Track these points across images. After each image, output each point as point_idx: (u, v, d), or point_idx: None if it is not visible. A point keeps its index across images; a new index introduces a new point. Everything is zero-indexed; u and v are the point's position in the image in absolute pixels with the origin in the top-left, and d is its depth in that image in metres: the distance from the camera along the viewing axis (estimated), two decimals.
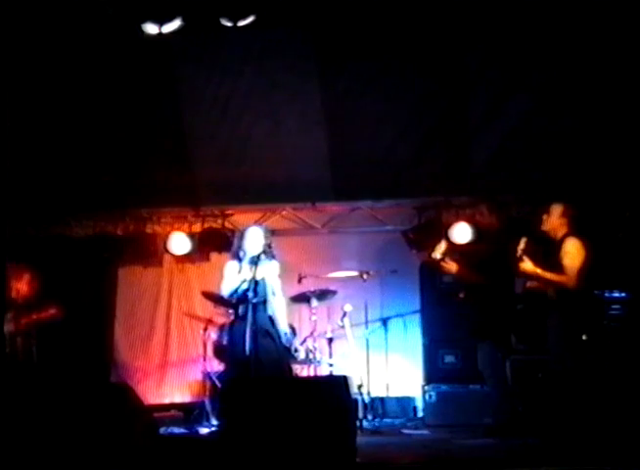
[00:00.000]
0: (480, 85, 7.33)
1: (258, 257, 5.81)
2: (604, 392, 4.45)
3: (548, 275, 5.56)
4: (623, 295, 6.78)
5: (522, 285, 6.03)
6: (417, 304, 7.92)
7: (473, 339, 6.59)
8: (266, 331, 5.78)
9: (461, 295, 6.67)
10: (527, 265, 5.52)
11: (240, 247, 6.01)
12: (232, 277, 5.93)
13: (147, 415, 4.79)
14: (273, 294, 5.93)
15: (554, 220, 5.71)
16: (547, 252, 5.69)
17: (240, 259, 5.95)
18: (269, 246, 5.93)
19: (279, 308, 5.97)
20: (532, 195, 7.58)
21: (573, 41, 6.73)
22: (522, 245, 5.53)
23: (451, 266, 6.30)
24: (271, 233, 6.18)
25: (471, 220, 7.93)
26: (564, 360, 5.40)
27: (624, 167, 7.29)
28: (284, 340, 5.91)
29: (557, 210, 5.72)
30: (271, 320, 5.88)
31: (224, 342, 6.96)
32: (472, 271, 6.37)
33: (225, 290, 5.99)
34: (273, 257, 5.96)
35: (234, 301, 5.91)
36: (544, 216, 5.75)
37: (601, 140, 7.31)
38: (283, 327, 5.93)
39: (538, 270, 5.53)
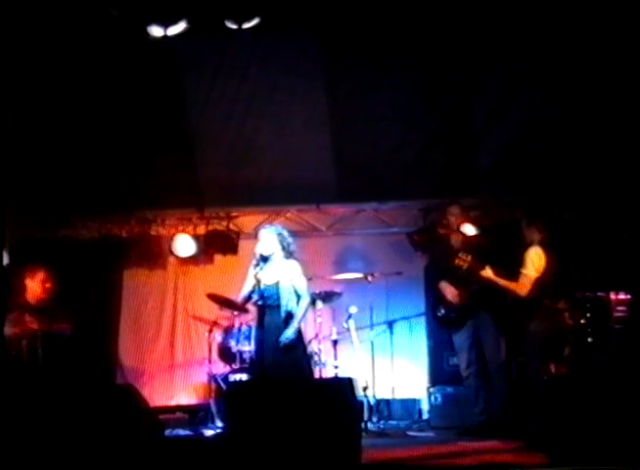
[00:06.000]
0: (485, 86, 7.33)
1: (266, 258, 5.78)
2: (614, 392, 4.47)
3: (501, 282, 6.02)
4: (629, 297, 6.76)
5: None
6: (422, 305, 7.92)
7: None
8: (276, 337, 5.66)
9: (441, 311, 6.71)
10: (487, 273, 6.04)
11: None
12: (248, 283, 5.90)
13: (152, 417, 4.80)
14: (297, 296, 5.74)
15: (526, 230, 6.09)
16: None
17: (256, 264, 5.81)
18: (284, 246, 5.82)
19: (299, 309, 5.73)
20: (538, 196, 7.58)
21: (578, 44, 6.73)
22: (465, 264, 6.07)
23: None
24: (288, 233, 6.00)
25: (475, 222, 7.89)
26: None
27: (631, 170, 7.27)
28: (281, 338, 5.58)
29: (530, 223, 6.14)
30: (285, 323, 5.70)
31: (231, 344, 6.99)
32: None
33: (240, 295, 6.01)
34: (291, 256, 5.83)
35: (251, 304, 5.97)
36: (523, 226, 6.14)
37: (609, 142, 7.30)
38: (289, 329, 5.60)
39: (496, 278, 6.00)
